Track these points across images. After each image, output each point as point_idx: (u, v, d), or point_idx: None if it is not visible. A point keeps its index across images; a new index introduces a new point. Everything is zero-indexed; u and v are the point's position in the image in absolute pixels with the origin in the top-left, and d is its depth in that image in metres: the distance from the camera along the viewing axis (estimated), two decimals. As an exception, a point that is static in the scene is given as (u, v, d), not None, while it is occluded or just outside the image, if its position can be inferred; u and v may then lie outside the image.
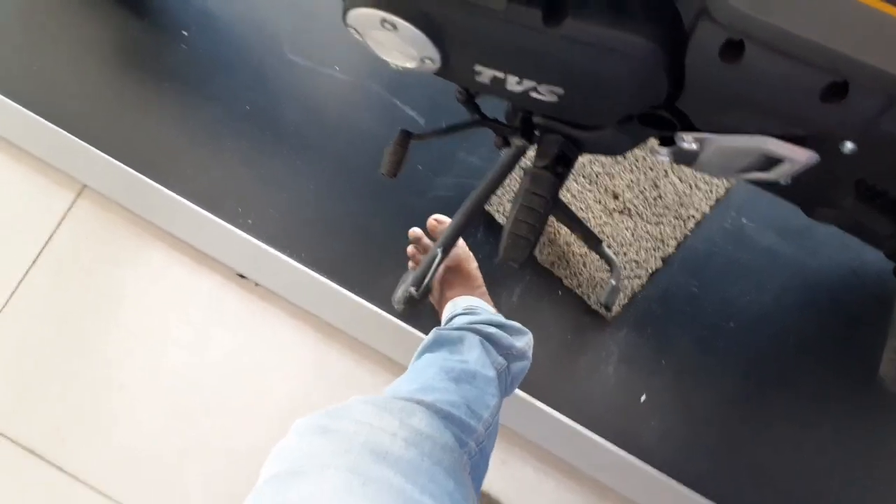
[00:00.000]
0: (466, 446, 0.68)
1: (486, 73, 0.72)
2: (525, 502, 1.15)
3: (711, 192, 1.21)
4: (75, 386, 1.17)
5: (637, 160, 1.21)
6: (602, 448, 1.14)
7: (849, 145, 0.67)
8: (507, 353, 0.92)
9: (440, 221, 1.14)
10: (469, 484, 0.65)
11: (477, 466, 0.71)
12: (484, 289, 1.13)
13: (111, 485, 1.14)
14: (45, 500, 1.14)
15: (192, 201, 1.21)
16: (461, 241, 1.13)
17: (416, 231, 1.15)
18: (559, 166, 0.85)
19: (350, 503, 0.50)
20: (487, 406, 0.76)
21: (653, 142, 0.82)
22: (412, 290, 1.08)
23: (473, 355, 0.85)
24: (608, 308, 1.17)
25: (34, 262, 1.21)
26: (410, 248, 1.16)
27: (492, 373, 0.83)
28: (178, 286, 1.21)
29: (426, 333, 1.17)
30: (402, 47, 0.71)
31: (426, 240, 1.15)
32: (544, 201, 0.84)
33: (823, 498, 1.15)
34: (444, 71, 0.75)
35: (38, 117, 1.23)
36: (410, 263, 1.16)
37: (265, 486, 0.54)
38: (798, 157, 0.69)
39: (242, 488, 1.14)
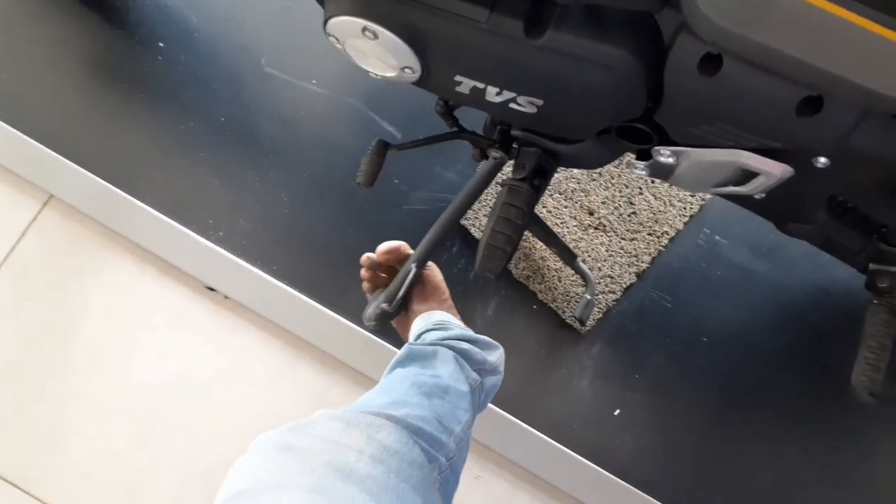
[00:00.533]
0: (436, 461, 0.66)
1: (466, 84, 0.72)
2: (499, 519, 1.14)
3: (685, 209, 1.22)
4: (37, 401, 1.14)
5: (612, 177, 1.22)
6: (576, 463, 1.14)
7: (822, 160, 0.68)
8: (481, 368, 0.91)
9: (389, 251, 1.03)
10: (438, 501, 0.64)
11: (447, 482, 0.69)
12: (451, 302, 1.12)
13: (71, 502, 1.11)
14: (2, 520, 1.10)
15: (161, 212, 1.19)
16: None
17: (370, 257, 1.08)
18: (536, 179, 0.85)
19: None
20: (459, 421, 0.75)
21: (630, 156, 0.83)
22: (384, 306, 1.06)
23: (447, 370, 0.84)
24: (583, 322, 1.17)
25: (-4, 272, 1.18)
26: (363, 272, 1.11)
27: (465, 387, 0.83)
28: (145, 299, 1.18)
29: (398, 348, 1.16)
30: (383, 56, 0.71)
31: (384, 268, 1.07)
32: (521, 213, 0.84)
33: (795, 513, 1.16)
34: (424, 81, 0.75)
35: (4, 124, 1.20)
36: (365, 284, 1.12)
37: None
38: (773, 170, 0.70)
39: (206, 503, 1.11)
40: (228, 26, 1.29)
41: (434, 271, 1.10)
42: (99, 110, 1.24)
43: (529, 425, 1.15)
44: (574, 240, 1.20)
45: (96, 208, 1.19)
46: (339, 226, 1.21)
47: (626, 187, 1.22)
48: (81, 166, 1.20)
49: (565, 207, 1.21)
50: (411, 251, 1.09)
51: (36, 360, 1.15)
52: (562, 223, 1.21)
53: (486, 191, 1.08)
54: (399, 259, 1.05)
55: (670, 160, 0.77)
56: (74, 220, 1.20)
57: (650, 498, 1.14)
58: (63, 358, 1.15)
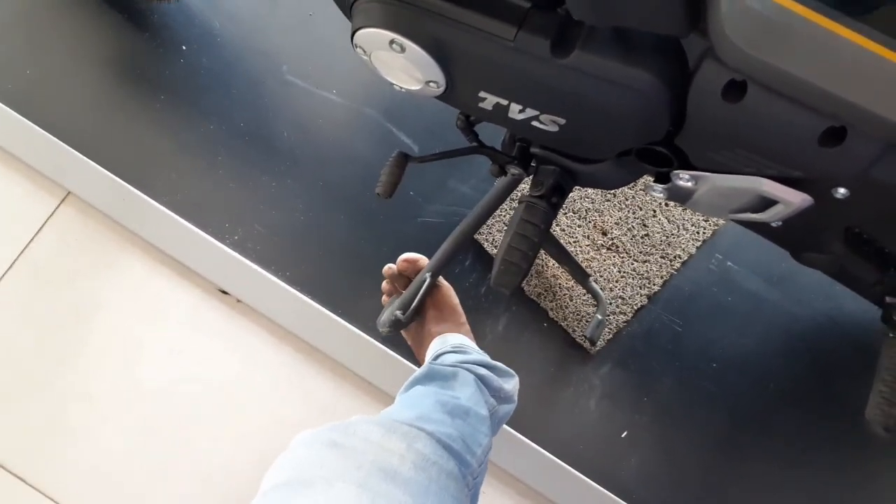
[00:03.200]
0: (465, 479, 0.67)
1: (489, 100, 0.73)
2: (500, 537, 1.13)
3: (699, 233, 1.22)
4: (45, 396, 1.14)
5: (627, 198, 1.23)
6: (581, 484, 1.13)
7: (841, 191, 0.68)
8: (497, 394, 0.91)
9: (410, 262, 1.09)
10: None
11: (473, 501, 0.70)
12: (468, 326, 1.12)
13: (77, 499, 1.11)
14: (5, 514, 1.10)
15: (178, 214, 1.20)
16: (442, 279, 1.11)
17: (390, 268, 1.12)
18: (554, 197, 0.86)
19: None
20: (480, 444, 0.76)
21: (648, 178, 0.84)
22: (398, 313, 1.07)
23: (466, 392, 0.85)
24: (593, 342, 1.17)
25: (11, 266, 1.19)
26: (385, 284, 1.14)
27: (485, 412, 0.83)
28: (158, 299, 1.19)
29: (409, 359, 1.17)
30: (408, 69, 0.72)
31: (402, 279, 1.11)
32: (538, 230, 0.85)
33: (798, 544, 1.15)
34: (448, 95, 0.76)
35: (26, 121, 1.21)
36: (384, 297, 1.14)
37: (272, 493, 0.53)
38: (792, 199, 0.71)
39: (211, 505, 1.11)
40: (251, 32, 1.31)
41: (450, 293, 1.11)
42: (120, 110, 1.25)
43: (536, 443, 1.14)
44: (586, 259, 1.21)
45: (113, 207, 1.20)
46: (354, 235, 1.22)
47: (640, 209, 1.23)
48: (100, 165, 1.21)
49: (578, 226, 1.22)
50: (425, 261, 1.10)
51: (47, 355, 1.16)
52: (575, 242, 1.21)
53: (501, 205, 1.09)
54: (418, 271, 1.07)
55: (689, 184, 0.77)
56: (91, 218, 1.21)
57: (653, 522, 1.13)
58: (74, 354, 1.16)
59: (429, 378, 0.87)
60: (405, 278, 1.11)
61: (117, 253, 1.20)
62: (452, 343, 1.02)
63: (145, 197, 1.20)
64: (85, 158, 1.21)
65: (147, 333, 1.18)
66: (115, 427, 1.14)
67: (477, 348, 1.05)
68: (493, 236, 1.21)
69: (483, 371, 0.91)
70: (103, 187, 1.20)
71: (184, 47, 1.28)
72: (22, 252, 1.19)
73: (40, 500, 1.10)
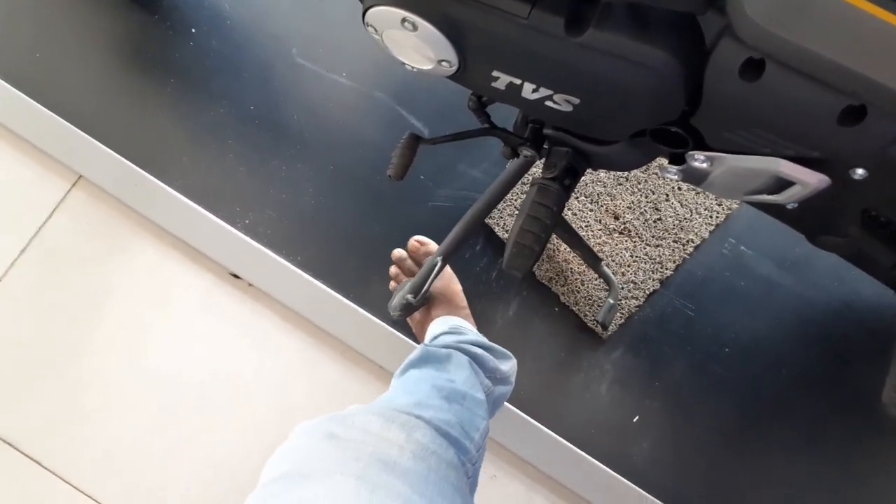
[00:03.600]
0: (464, 466, 0.67)
1: (502, 80, 0.72)
2: (511, 520, 1.14)
3: (711, 217, 1.21)
4: (59, 380, 1.15)
5: (639, 182, 1.22)
6: (592, 467, 1.14)
7: (859, 171, 0.67)
8: (492, 375, 0.91)
9: (422, 243, 1.13)
10: (472, 503, 0.64)
11: (472, 486, 0.70)
12: (468, 311, 1.13)
13: (90, 482, 1.12)
14: (23, 495, 1.11)
15: (189, 198, 1.20)
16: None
17: (399, 252, 1.14)
18: (567, 179, 0.85)
19: None
20: (477, 428, 0.76)
21: (662, 160, 0.83)
22: (409, 297, 1.07)
23: (462, 375, 0.85)
24: (605, 327, 1.16)
25: (23, 250, 1.19)
26: (393, 269, 1.15)
27: (481, 395, 0.83)
28: (169, 283, 1.19)
29: (419, 343, 1.17)
30: (420, 48, 0.71)
31: (409, 261, 1.14)
32: (550, 212, 0.84)
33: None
34: (460, 75, 0.75)
35: (37, 104, 1.22)
36: (392, 283, 1.15)
37: (271, 486, 0.53)
38: (809, 180, 0.70)
39: (222, 489, 1.12)
40: (261, 15, 1.30)
41: (452, 278, 1.11)
42: (130, 94, 1.25)
43: (547, 427, 1.15)
44: (598, 244, 1.20)
45: (124, 191, 1.20)
46: (364, 219, 1.22)
47: (653, 193, 1.22)
48: (111, 148, 1.21)
49: (590, 211, 1.21)
50: (434, 246, 1.10)
51: (59, 340, 1.16)
52: (586, 226, 1.20)
53: (513, 188, 1.08)
54: (427, 255, 1.07)
55: (704, 165, 0.76)
56: (102, 202, 1.22)
57: (664, 506, 1.13)
58: (86, 339, 1.17)
59: (423, 361, 0.87)
60: (413, 263, 1.11)
61: (129, 237, 1.21)
62: (450, 325, 1.02)
63: (156, 181, 1.20)
64: (96, 142, 1.21)
65: (159, 318, 1.18)
66: (127, 411, 1.14)
67: (474, 330, 1.05)
68: (504, 220, 1.21)
69: (478, 351, 0.91)
70: (114, 171, 1.20)
71: (193, 30, 1.27)
72: (34, 236, 1.20)
73: (54, 482, 1.11)
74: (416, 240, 1.13)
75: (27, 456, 1.12)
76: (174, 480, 1.13)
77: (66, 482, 1.12)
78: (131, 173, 1.20)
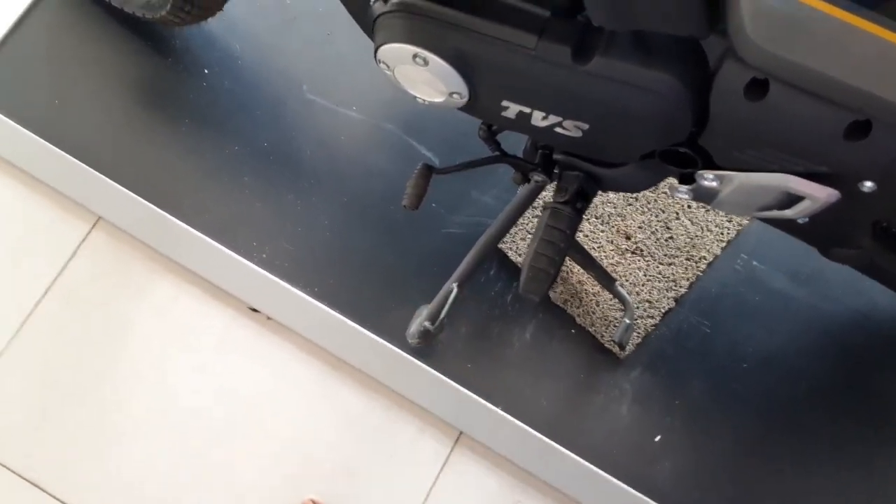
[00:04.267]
0: None
1: (512, 109, 0.74)
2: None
3: (723, 234, 1.22)
4: (82, 418, 1.16)
5: (649, 202, 1.23)
6: (616, 488, 1.13)
7: (868, 184, 0.68)
8: None
9: (315, 503, 1.12)
10: None
11: None
12: None
13: (115, 520, 1.13)
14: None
15: (207, 235, 1.22)
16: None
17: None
18: (578, 202, 0.87)
19: None
20: None
21: (672, 180, 0.84)
22: (427, 324, 1.08)
23: None
24: (622, 346, 1.17)
25: (47, 291, 1.21)
26: None
27: None
28: (189, 319, 1.21)
29: (439, 371, 1.18)
30: (432, 82, 0.73)
31: None
32: (564, 235, 0.85)
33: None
34: (471, 106, 0.77)
35: (55, 148, 1.24)
36: None
37: None
38: (819, 195, 0.71)
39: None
40: (271, 53, 1.33)
41: None
42: (146, 135, 1.28)
43: (569, 450, 1.15)
44: (611, 264, 1.21)
45: (144, 230, 1.22)
46: (379, 248, 1.23)
47: (663, 212, 1.23)
48: (129, 189, 1.24)
49: (602, 232, 1.22)
50: None
51: (82, 377, 1.18)
52: (599, 247, 1.22)
53: (524, 213, 1.10)
54: None
55: (714, 184, 0.78)
56: (122, 242, 1.24)
57: (690, 525, 1.13)
58: (108, 375, 1.18)
59: None
60: None
61: (148, 275, 1.22)
62: None
63: (174, 219, 1.22)
64: (114, 183, 1.23)
65: (179, 353, 1.19)
66: (149, 444, 1.15)
67: None
68: (517, 244, 1.22)
69: None
70: (133, 211, 1.23)
71: (206, 71, 1.30)
72: (57, 277, 1.22)
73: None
74: (310, 499, 1.12)
75: (52, 496, 1.13)
76: (199, 516, 1.13)
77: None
78: (150, 213, 1.23)
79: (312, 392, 1.18)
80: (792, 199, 0.75)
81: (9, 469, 1.13)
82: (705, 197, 0.82)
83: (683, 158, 0.75)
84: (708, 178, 0.77)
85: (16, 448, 1.14)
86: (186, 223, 1.23)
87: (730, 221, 1.24)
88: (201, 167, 1.26)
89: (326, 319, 1.19)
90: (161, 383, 1.18)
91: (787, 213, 0.78)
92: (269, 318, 1.21)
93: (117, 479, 1.14)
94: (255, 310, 1.21)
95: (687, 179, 0.81)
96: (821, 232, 0.87)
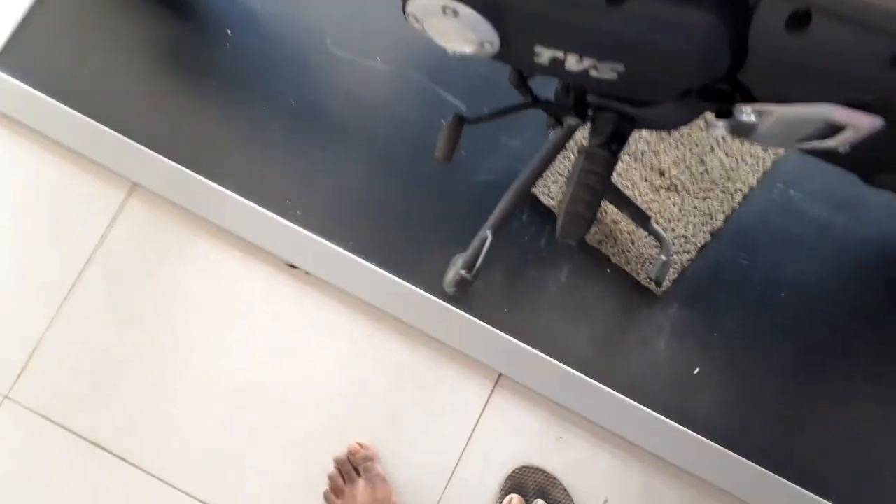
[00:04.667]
0: None
1: (545, 55, 0.73)
2: (581, 476, 1.17)
3: (758, 164, 1.21)
4: (137, 381, 1.21)
5: (682, 136, 1.22)
6: (656, 421, 1.16)
7: (913, 109, 0.67)
8: None
9: (363, 446, 1.15)
10: None
11: None
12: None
13: (176, 475, 1.18)
14: (113, 492, 1.18)
15: (241, 195, 1.24)
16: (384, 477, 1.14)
17: (339, 457, 1.15)
18: (614, 143, 0.86)
19: None
20: None
21: (709, 115, 0.83)
22: (463, 272, 1.10)
23: None
24: (658, 283, 1.18)
25: (88, 261, 1.24)
26: (332, 470, 1.15)
27: None
28: (231, 280, 1.24)
29: (477, 317, 1.20)
30: (462, 33, 0.73)
31: (348, 464, 1.14)
32: (600, 178, 0.85)
33: (884, 467, 1.16)
34: (503, 54, 0.76)
35: (86, 118, 1.26)
36: (325, 490, 1.15)
37: None
38: (862, 123, 0.70)
39: (300, 476, 1.18)
40: (292, 9, 1.32)
41: (383, 488, 1.12)
42: (175, 99, 1.29)
43: (609, 386, 1.17)
44: (646, 201, 1.21)
45: (178, 194, 1.24)
46: (411, 199, 1.24)
47: (697, 146, 1.22)
48: (161, 154, 1.25)
49: (635, 169, 1.22)
50: (372, 452, 1.14)
51: (132, 343, 1.22)
52: (632, 185, 1.21)
53: (556, 158, 1.10)
54: (367, 459, 1.12)
55: (752, 118, 0.76)
56: (158, 208, 1.26)
57: (731, 453, 1.15)
58: (157, 339, 1.22)
59: None
60: (352, 468, 1.13)
61: (188, 238, 1.25)
62: None
63: (208, 181, 1.24)
64: (147, 149, 1.25)
65: (224, 313, 1.23)
66: (204, 401, 1.20)
67: None
68: (549, 188, 1.22)
69: None
70: (167, 176, 1.25)
71: (229, 31, 1.30)
72: (97, 246, 1.25)
73: (143, 479, 1.18)
74: (357, 443, 1.15)
75: (113, 454, 1.19)
76: (253, 468, 1.18)
77: (152, 475, 1.18)
78: (183, 176, 1.24)
79: (354, 342, 1.22)
80: (833, 129, 0.73)
81: (71, 432, 1.19)
82: (743, 131, 0.81)
83: (722, 94, 0.74)
84: (747, 113, 0.76)
85: (76, 412, 1.20)
86: (220, 184, 1.24)
87: (765, 151, 1.22)
88: (230, 128, 1.27)
89: (363, 272, 1.21)
90: (208, 343, 1.22)
91: (829, 142, 0.76)
92: (307, 274, 1.23)
93: (177, 436, 1.19)
94: (293, 266, 1.23)
95: (724, 114, 0.79)
96: (863, 159, 0.86)
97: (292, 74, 1.28)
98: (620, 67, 0.71)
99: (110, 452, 1.19)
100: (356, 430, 1.19)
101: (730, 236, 1.21)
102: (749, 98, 0.74)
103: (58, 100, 1.26)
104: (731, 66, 0.69)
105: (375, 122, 1.27)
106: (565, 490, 1.15)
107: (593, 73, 0.74)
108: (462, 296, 1.19)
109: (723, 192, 1.21)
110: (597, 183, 0.86)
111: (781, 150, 1.22)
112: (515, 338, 1.19)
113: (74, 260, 1.24)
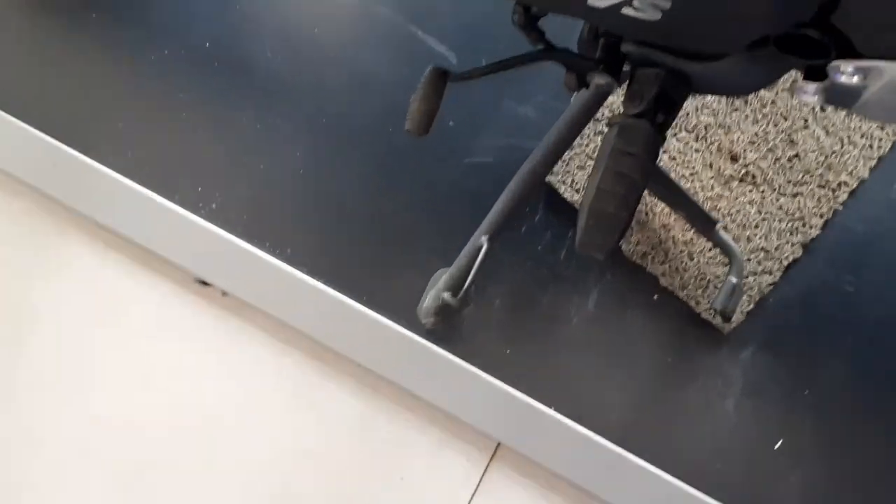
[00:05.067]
0: None
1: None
2: None
3: (872, 148, 1.21)
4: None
5: (764, 105, 1.22)
6: (721, 517, 1.15)
7: None
8: None
9: None
10: None
11: None
12: None
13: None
14: None
15: (131, 178, 1.23)
16: None
17: None
18: (659, 113, 0.85)
19: None
20: None
21: (795, 75, 0.83)
22: (446, 296, 1.09)
23: None
24: (726, 317, 1.17)
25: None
26: None
27: None
28: (113, 298, 1.22)
29: (465, 359, 1.19)
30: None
31: None
32: (639, 163, 0.84)
33: None
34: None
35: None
36: None
37: None
38: None
39: None
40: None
41: None
42: (32, 39, 1.28)
43: (653, 465, 1.16)
44: (710, 198, 1.21)
45: (43, 176, 1.23)
46: (375, 190, 1.24)
47: (785, 119, 1.22)
48: (21, 119, 1.24)
49: (696, 151, 1.21)
50: None
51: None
52: (692, 175, 1.21)
53: (582, 133, 1.09)
54: None
55: (855, 80, 0.76)
56: (16, 195, 1.25)
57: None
58: (10, 384, 1.21)
59: None
60: None
61: (56, 239, 1.24)
62: None
63: (85, 158, 1.23)
64: (6, 116, 1.24)
65: (104, 347, 1.21)
66: (75, 480, 1.18)
67: None
68: (573, 175, 1.22)
69: None
70: (28, 150, 1.24)
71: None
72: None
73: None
74: None
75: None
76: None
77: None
78: (50, 151, 1.23)
79: (291, 392, 1.21)
80: (971, 98, 0.73)
81: None
82: (843, 99, 0.81)
83: (811, 45, 0.74)
84: (847, 72, 0.75)
85: None
86: (101, 163, 1.23)
87: (881, 129, 1.22)
88: (119, 82, 1.26)
89: (306, 293, 1.21)
90: (82, 392, 1.20)
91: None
92: (224, 294, 1.22)
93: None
94: (204, 283, 1.22)
95: (816, 74, 0.79)
96: None
97: (206, 5, 1.28)
98: (666, 2, 0.71)
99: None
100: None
101: (829, 251, 1.21)
102: (850, 52, 0.74)
103: None
104: (822, 3, 0.68)
105: (327, 77, 1.27)
106: None
107: (628, 10, 0.73)
108: (445, 330, 1.18)
109: (820, 186, 1.20)
110: (634, 170, 0.85)
111: (905, 130, 1.22)
112: (521, 391, 1.18)
113: None
